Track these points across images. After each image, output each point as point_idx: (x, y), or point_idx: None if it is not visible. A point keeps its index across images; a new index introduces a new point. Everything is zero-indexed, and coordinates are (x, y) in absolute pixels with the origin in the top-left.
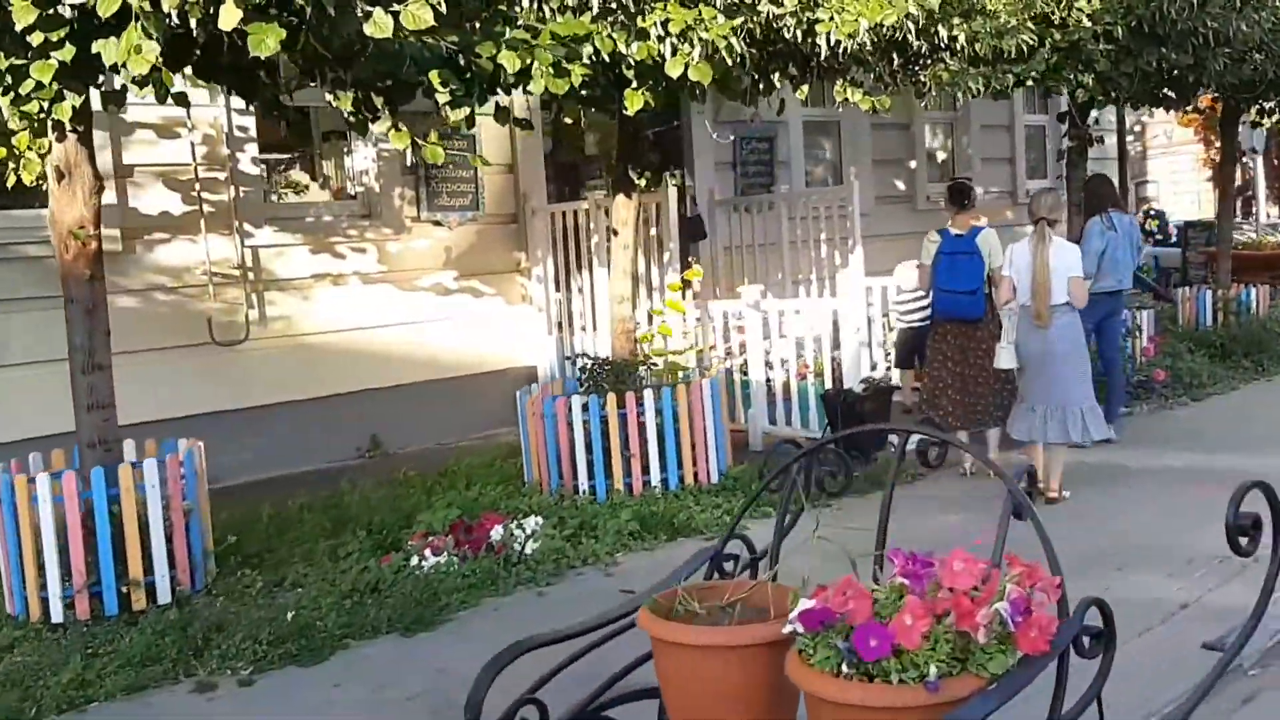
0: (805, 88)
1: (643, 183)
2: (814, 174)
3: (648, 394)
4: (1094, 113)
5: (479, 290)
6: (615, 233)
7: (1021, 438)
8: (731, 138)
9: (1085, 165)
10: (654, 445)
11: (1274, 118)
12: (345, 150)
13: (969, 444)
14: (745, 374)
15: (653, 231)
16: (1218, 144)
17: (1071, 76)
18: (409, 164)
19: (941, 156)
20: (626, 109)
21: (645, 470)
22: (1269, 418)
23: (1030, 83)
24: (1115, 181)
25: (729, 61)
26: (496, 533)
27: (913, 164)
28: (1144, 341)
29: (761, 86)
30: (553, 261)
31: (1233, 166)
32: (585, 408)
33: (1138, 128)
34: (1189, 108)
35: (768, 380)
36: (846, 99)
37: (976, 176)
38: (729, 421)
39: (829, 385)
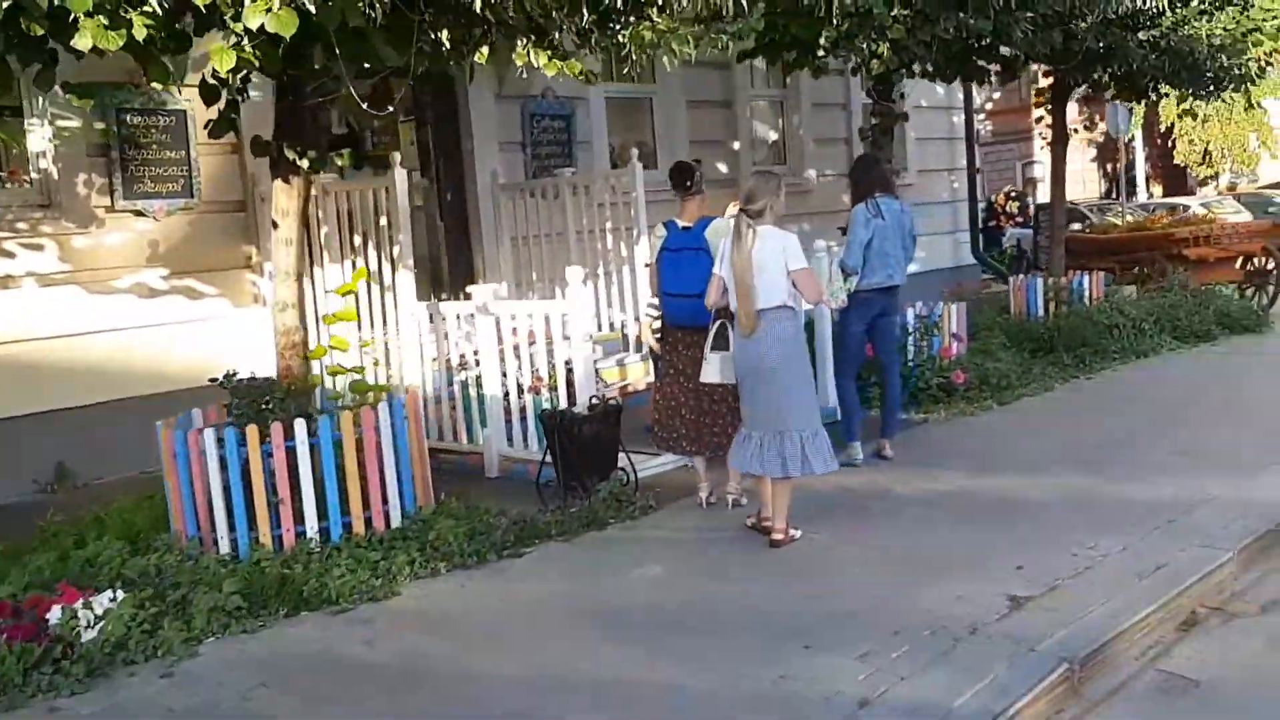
0: (485, 50)
1: (305, 164)
2: (624, 157)
3: (299, 424)
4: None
5: (197, 290)
6: (275, 225)
7: (739, 469)
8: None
9: (891, 145)
10: (308, 487)
11: (1111, 92)
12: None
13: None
14: (480, 388)
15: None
16: (1103, 126)
17: (865, 46)
18: (100, 143)
19: (773, 137)
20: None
21: (300, 519)
22: (1068, 426)
23: (756, 47)
24: (881, 162)
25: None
26: (55, 615)
27: (736, 145)
28: (944, 340)
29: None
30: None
31: (1063, 146)
32: (222, 442)
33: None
34: (1013, 82)
35: (506, 395)
36: (531, 64)
37: (809, 159)
38: (464, 444)
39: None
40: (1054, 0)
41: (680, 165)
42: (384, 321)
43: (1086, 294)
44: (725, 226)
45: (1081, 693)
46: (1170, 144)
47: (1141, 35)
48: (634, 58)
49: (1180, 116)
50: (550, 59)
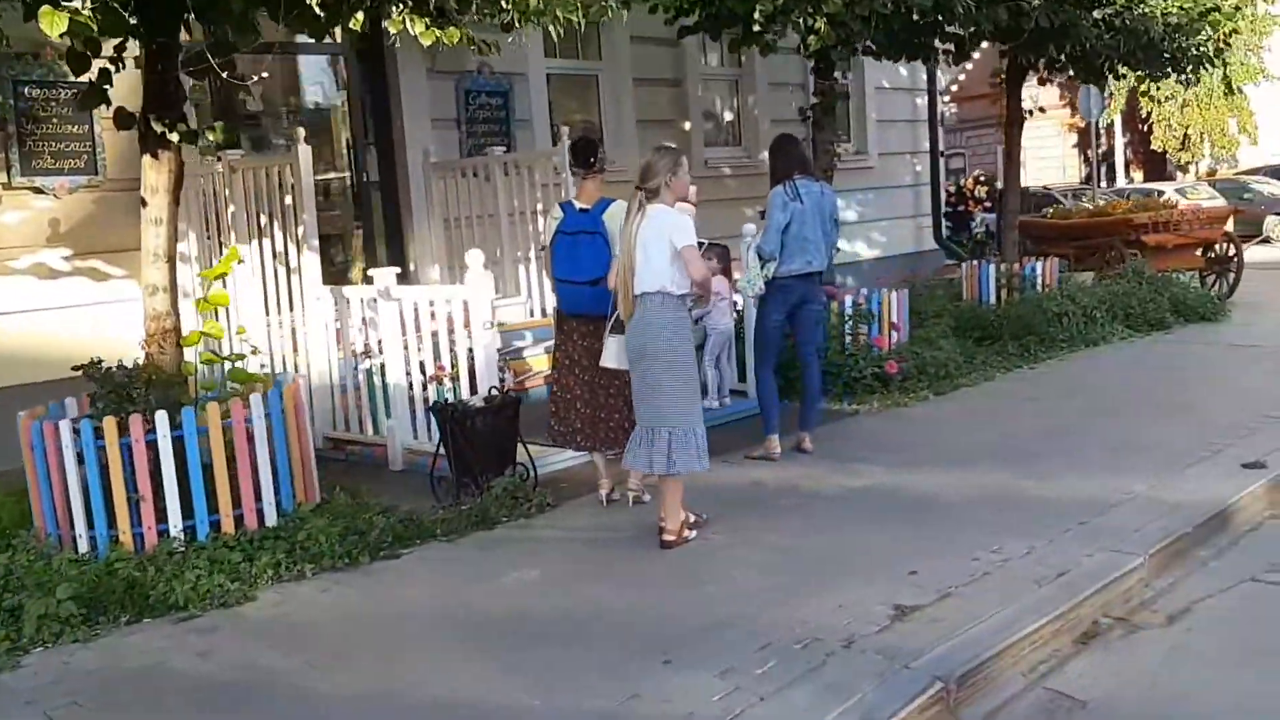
0: (360, 15)
1: (175, 138)
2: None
3: (160, 416)
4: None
5: (101, 272)
6: (144, 203)
7: (626, 464)
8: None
9: (834, 125)
10: (171, 483)
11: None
12: None
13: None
14: (384, 377)
15: (288, 200)
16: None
17: (801, 20)
18: None
19: (728, 117)
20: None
21: (163, 516)
22: (1002, 418)
23: (697, 23)
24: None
25: None
26: None
27: (687, 125)
28: (882, 328)
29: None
30: (205, 235)
31: (1018, 129)
32: (79, 434)
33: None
34: (965, 61)
35: (411, 385)
36: (406, 30)
37: (764, 140)
38: (369, 436)
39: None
40: None
41: (582, 140)
42: (289, 305)
43: (1040, 280)
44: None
45: (957, 715)
46: (1149, 129)
47: (1096, 14)
48: (578, 30)
49: (1144, 98)
50: (428, 26)
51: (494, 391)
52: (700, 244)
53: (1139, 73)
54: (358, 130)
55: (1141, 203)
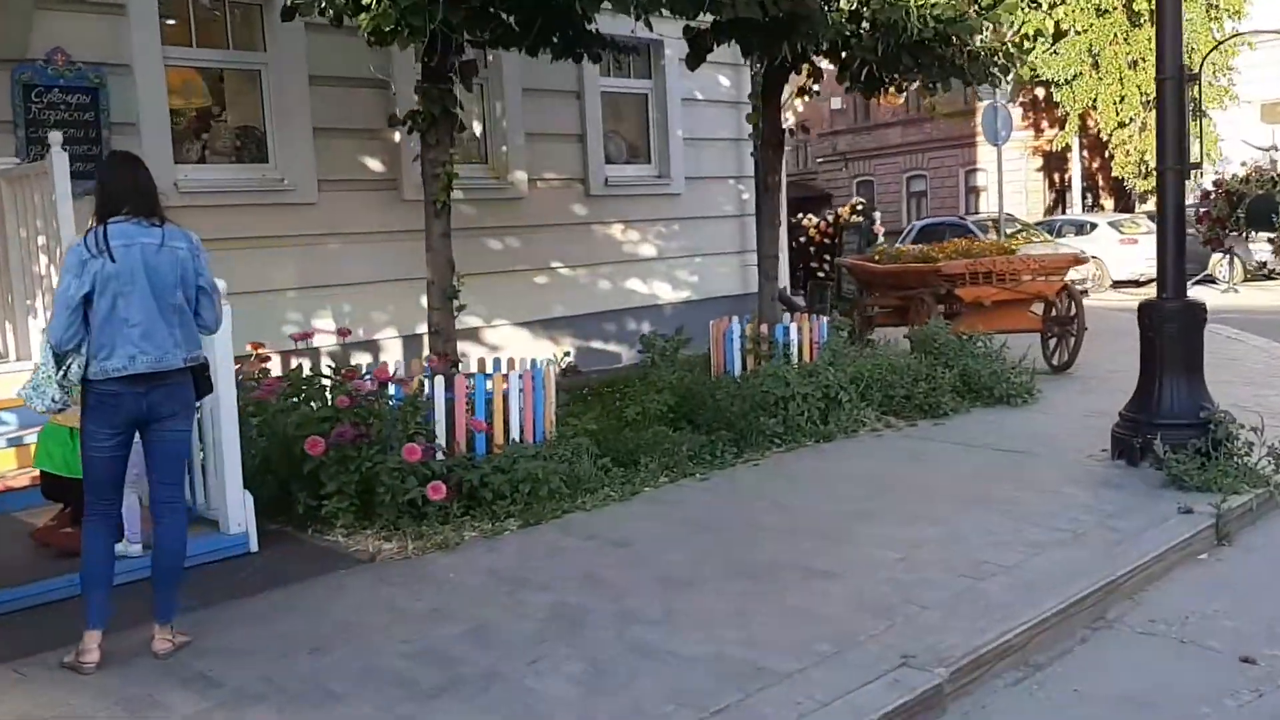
0: None
1: None
2: (217, 144)
3: None
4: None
5: None
6: None
7: None
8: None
9: (450, 141)
10: None
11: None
12: None
13: None
14: None
15: None
16: (1048, 128)
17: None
18: None
19: (478, 128)
20: None
21: None
22: (553, 578)
23: None
24: None
25: None
26: None
27: (397, 137)
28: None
29: None
30: None
31: (775, 152)
32: None
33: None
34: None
35: None
36: None
37: (518, 158)
38: None
39: None
40: None
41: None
42: None
43: (795, 345)
44: None
45: None
46: (1112, 155)
47: (843, 3)
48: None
49: (1099, 119)
50: None
51: None
52: None
53: (923, 81)
54: None
55: (962, 247)
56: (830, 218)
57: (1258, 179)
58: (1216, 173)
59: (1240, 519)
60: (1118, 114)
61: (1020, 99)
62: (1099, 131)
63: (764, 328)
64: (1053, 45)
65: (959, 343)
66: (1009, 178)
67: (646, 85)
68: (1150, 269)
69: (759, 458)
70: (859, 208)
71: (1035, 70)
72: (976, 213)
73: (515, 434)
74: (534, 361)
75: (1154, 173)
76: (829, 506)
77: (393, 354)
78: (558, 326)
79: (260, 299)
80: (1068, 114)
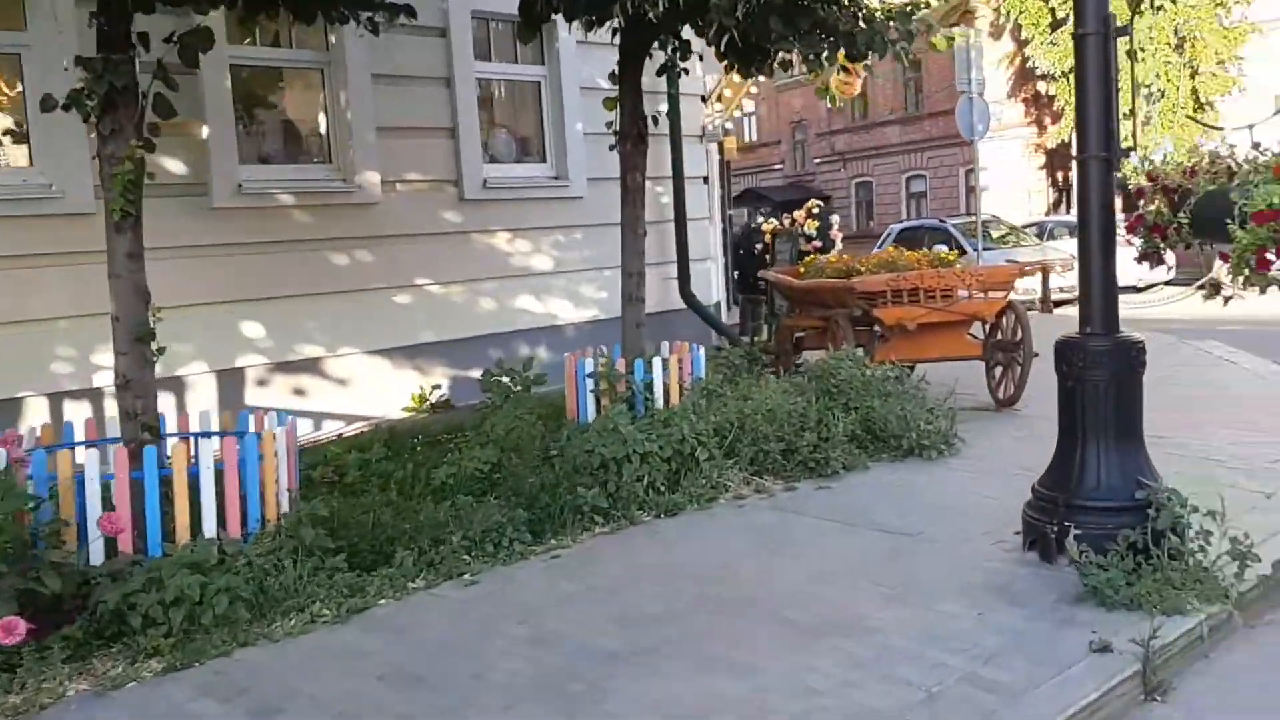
0: None
1: None
2: None
3: None
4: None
5: None
6: None
7: None
8: None
9: (130, 130)
10: None
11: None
12: None
13: None
14: None
15: None
16: (1054, 129)
17: None
18: None
19: (323, 122)
20: None
21: None
22: None
23: None
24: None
25: None
26: None
27: (204, 132)
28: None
29: None
30: None
31: (635, 146)
32: None
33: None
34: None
35: None
36: None
37: (366, 155)
38: None
39: None
40: None
41: None
42: None
43: (661, 384)
44: None
45: None
46: None
47: None
48: None
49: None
50: None
51: None
52: None
53: (802, 51)
54: None
55: (886, 259)
56: (787, 222)
57: (1208, 170)
58: (1149, 161)
59: (1184, 655)
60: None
61: (1022, 94)
62: None
63: (621, 364)
64: (1050, 35)
65: (863, 379)
66: (1011, 176)
67: (539, 72)
68: (1150, 273)
69: (567, 543)
70: (815, 210)
71: (1030, 61)
72: (977, 214)
73: (212, 527)
74: (278, 416)
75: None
76: (607, 635)
77: (205, 392)
78: (426, 354)
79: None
80: (1064, 108)
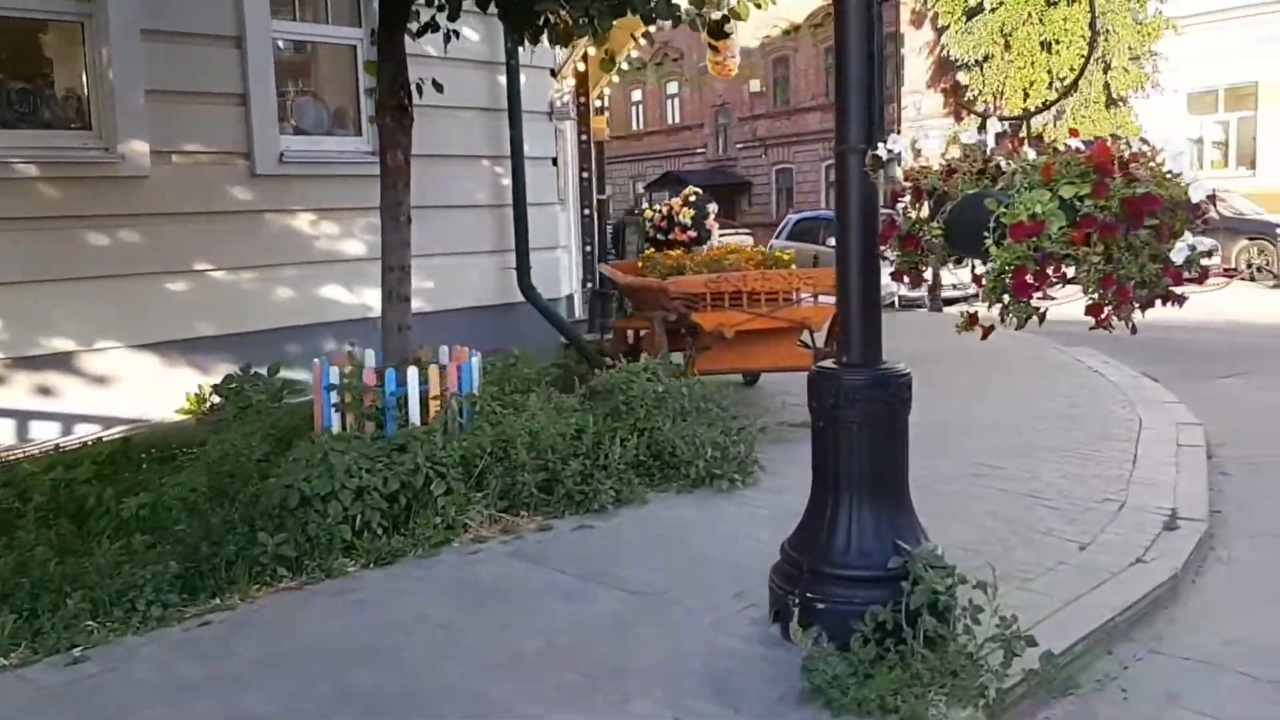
0: None
1: None
2: None
3: None
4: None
5: None
6: None
7: None
8: None
9: None
10: None
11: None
12: None
13: None
14: None
15: None
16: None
17: None
18: None
19: (66, 77)
20: None
21: None
22: None
23: None
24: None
25: None
26: None
27: None
28: None
29: None
30: None
31: (395, 119)
32: None
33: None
34: None
35: None
36: None
37: (136, 121)
38: None
39: None
40: None
41: None
42: None
43: (418, 400)
44: None
45: None
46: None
47: None
48: None
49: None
50: None
51: None
52: None
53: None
54: None
55: (714, 257)
56: (664, 210)
57: (968, 170)
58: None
59: None
60: (1025, 100)
61: (941, 84)
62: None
63: (370, 374)
64: (966, 23)
65: (656, 395)
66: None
67: (355, 35)
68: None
69: (233, 603)
70: (692, 199)
71: (945, 50)
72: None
73: None
74: None
75: None
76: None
77: None
78: (207, 349)
79: None
80: (975, 98)
